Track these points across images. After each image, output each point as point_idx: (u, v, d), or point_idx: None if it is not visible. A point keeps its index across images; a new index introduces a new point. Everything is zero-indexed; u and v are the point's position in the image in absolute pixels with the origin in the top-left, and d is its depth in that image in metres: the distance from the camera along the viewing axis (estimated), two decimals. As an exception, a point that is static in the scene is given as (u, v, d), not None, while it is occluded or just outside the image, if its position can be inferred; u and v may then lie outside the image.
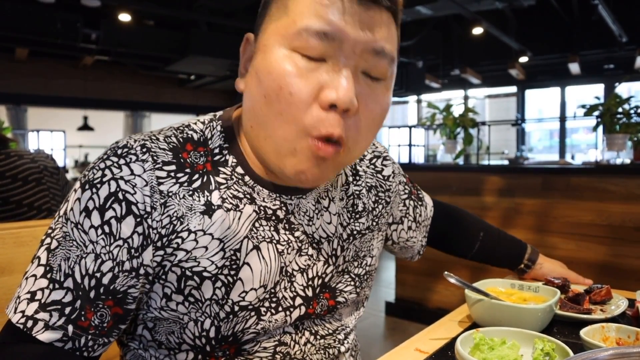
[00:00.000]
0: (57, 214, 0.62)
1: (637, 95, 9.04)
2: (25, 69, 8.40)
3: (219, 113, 0.72)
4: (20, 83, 8.47)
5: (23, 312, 0.57)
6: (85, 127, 9.92)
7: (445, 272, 0.84)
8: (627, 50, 6.65)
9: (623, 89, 8.86)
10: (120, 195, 0.59)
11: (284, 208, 0.69)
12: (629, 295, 1.00)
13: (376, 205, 0.83)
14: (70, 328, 0.57)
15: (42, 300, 0.57)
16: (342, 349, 0.79)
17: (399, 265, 3.54)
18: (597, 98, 3.28)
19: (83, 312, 0.58)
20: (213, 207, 0.63)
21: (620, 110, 2.95)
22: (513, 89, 9.71)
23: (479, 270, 2.79)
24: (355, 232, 0.78)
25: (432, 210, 1.01)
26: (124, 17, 6.09)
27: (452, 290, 3.23)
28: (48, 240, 0.61)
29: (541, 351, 0.65)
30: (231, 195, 0.65)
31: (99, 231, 0.58)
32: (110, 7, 6.00)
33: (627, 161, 3.20)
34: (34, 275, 0.59)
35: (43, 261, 0.59)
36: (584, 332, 0.73)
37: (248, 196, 0.67)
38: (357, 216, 0.79)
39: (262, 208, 0.67)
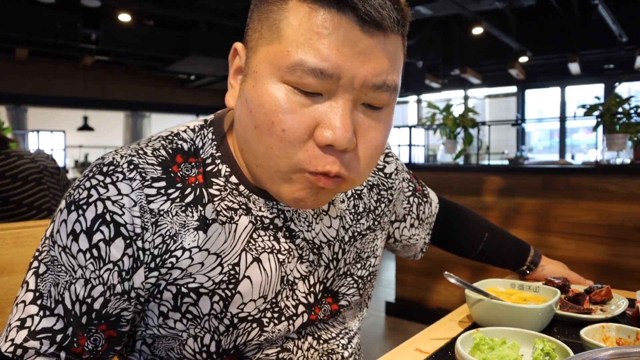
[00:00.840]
0: (44, 234, 0.60)
1: (637, 95, 9.03)
2: (25, 69, 8.40)
3: (209, 118, 0.68)
4: (20, 83, 8.47)
5: (12, 340, 0.55)
6: (85, 127, 9.92)
7: (446, 272, 0.84)
8: (627, 50, 6.65)
9: (623, 88, 8.85)
10: (107, 217, 0.56)
11: (281, 216, 0.67)
12: (629, 295, 1.00)
13: (378, 204, 0.80)
14: (62, 355, 0.56)
15: (32, 328, 0.56)
16: (346, 354, 0.77)
17: (399, 265, 3.54)
18: (597, 98, 3.27)
19: (75, 339, 0.56)
20: (207, 221, 0.60)
21: (620, 110, 2.94)
22: (513, 88, 9.70)
23: (479, 270, 2.79)
24: (356, 234, 0.76)
25: (437, 207, 0.99)
26: (124, 17, 6.09)
27: (452, 290, 3.23)
28: (36, 263, 0.59)
29: (541, 351, 0.65)
30: (225, 207, 0.62)
31: (88, 255, 0.56)
32: (110, 7, 6.01)
33: (627, 161, 3.20)
34: (24, 302, 0.57)
35: (32, 286, 0.58)
36: (584, 332, 0.73)
37: (243, 207, 0.64)
38: (359, 217, 0.77)
39: (258, 218, 0.65)
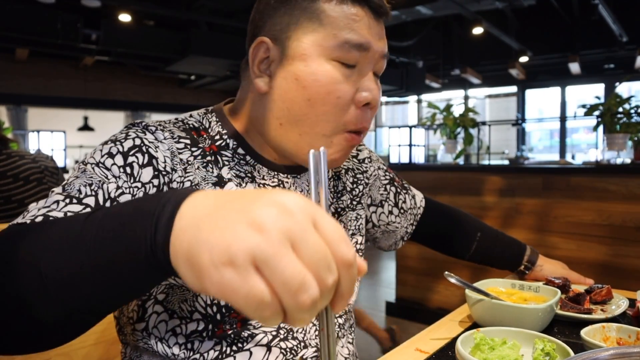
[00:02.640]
0: (73, 169, 0.64)
1: (638, 95, 9.03)
2: (25, 69, 8.40)
3: (209, 108, 0.78)
4: (20, 83, 8.46)
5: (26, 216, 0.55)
6: (86, 127, 9.91)
7: (446, 272, 0.84)
8: (627, 50, 6.65)
9: (623, 88, 8.84)
10: (143, 148, 0.64)
11: (281, 186, 0.74)
12: (629, 295, 1.00)
13: (355, 185, 0.91)
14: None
15: (55, 209, 0.55)
16: (340, 334, 0.81)
17: (399, 265, 3.54)
18: (598, 98, 3.28)
19: None
20: (224, 179, 0.69)
21: (620, 110, 2.94)
22: (513, 88, 9.70)
23: (480, 270, 2.79)
24: (339, 210, 0.85)
25: (422, 201, 1.04)
26: (124, 17, 6.09)
27: (453, 290, 3.23)
28: (65, 185, 0.60)
29: (541, 351, 0.65)
30: (234, 175, 0.71)
31: (121, 170, 0.61)
32: (110, 7, 6.01)
33: (628, 161, 3.20)
34: (50, 195, 0.58)
35: (59, 190, 0.58)
36: (585, 332, 0.73)
37: (249, 175, 0.73)
38: (339, 195, 0.86)
39: (261, 186, 0.72)
